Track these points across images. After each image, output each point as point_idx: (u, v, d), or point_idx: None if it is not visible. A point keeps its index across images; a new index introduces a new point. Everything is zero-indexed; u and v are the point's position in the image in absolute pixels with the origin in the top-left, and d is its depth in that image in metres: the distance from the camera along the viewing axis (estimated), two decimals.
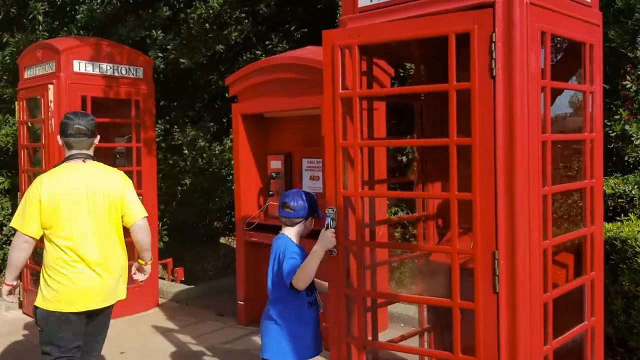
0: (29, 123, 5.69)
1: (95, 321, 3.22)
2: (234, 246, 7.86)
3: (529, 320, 2.29)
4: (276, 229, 5.31)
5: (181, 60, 6.66)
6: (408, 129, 4.86)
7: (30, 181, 5.74)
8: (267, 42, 6.97)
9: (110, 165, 5.84)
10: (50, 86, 5.21)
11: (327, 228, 2.66)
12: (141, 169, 5.73)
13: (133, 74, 5.69)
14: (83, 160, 3.22)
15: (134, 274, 3.40)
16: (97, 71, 5.43)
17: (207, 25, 6.51)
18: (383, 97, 3.91)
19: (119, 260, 3.25)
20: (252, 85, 5.03)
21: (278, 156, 5.22)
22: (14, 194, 6.80)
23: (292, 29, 7.01)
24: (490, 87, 2.24)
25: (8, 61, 6.95)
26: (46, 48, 5.40)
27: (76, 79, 5.28)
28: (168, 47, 6.83)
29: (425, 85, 3.48)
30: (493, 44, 2.22)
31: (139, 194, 5.65)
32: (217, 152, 6.77)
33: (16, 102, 5.70)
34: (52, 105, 5.20)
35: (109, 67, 5.51)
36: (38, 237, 3.06)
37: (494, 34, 2.23)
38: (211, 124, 7.20)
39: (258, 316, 5.33)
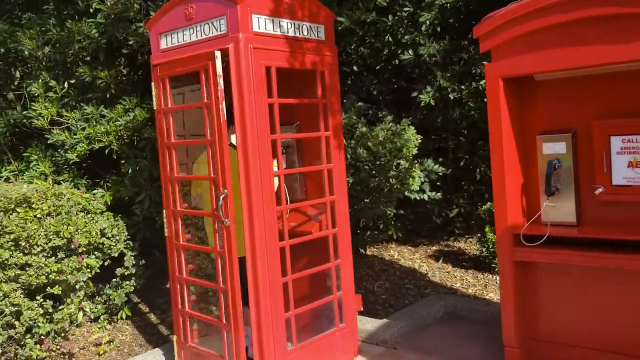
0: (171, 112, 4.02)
1: None
2: (387, 258, 6.29)
3: None
4: (562, 243, 3.80)
5: (339, 19, 5.02)
6: None
7: (182, 195, 4.11)
8: None
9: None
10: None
11: None
12: (332, 167, 4.12)
13: (315, 35, 4.05)
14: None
15: None
16: (277, 31, 3.78)
17: None
18: None
19: None
20: (525, 33, 3.43)
21: (559, 136, 3.64)
22: (121, 212, 5.14)
23: None
24: None
25: (97, 35, 5.23)
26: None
27: (257, 42, 3.63)
28: None
29: None
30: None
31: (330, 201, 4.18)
32: (381, 138, 5.15)
33: (153, 85, 4.02)
34: (222, 81, 3.55)
35: (290, 26, 3.86)
36: None
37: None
38: (360, 103, 5.59)
39: None
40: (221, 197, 3.55)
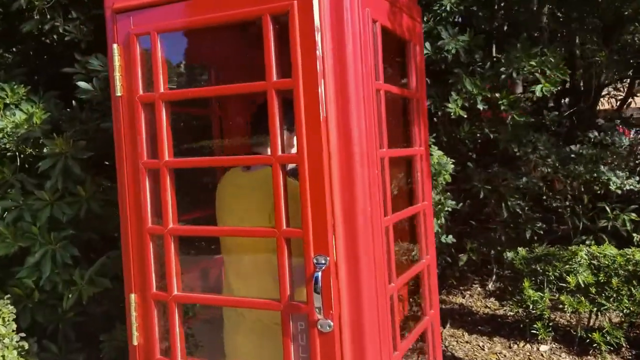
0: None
1: None
2: None
3: None
4: None
5: None
6: None
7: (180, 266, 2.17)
8: None
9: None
10: None
11: None
12: (426, 207, 2.48)
13: None
14: None
15: None
16: None
17: None
18: None
19: None
20: None
21: None
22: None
23: None
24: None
25: None
26: None
27: None
28: None
29: None
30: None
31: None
32: None
33: (116, 50, 2.04)
34: (320, 39, 1.76)
35: None
36: None
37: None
38: None
39: None
40: (319, 272, 1.73)
